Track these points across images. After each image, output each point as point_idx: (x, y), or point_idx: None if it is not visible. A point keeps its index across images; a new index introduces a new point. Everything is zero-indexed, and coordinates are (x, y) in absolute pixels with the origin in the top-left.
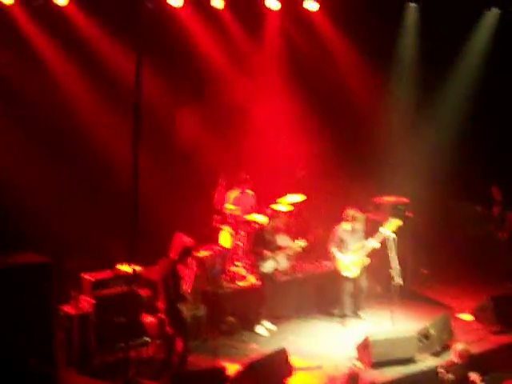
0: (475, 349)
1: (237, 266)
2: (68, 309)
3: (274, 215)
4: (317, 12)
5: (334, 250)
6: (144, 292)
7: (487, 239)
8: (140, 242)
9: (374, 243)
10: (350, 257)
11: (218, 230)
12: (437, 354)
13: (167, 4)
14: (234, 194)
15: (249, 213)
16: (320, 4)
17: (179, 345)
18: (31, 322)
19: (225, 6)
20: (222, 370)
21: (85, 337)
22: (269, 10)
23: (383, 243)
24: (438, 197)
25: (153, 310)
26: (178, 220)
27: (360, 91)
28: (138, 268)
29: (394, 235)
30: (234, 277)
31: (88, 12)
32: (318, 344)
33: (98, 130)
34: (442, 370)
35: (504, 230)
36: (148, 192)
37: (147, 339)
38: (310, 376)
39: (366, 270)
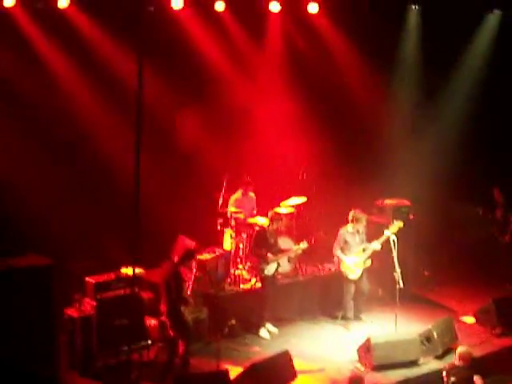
0: (477, 351)
1: (239, 268)
2: (71, 311)
3: (276, 218)
4: (318, 14)
5: (338, 252)
6: (146, 295)
7: (489, 241)
8: (142, 245)
9: (376, 245)
10: (354, 258)
11: (220, 233)
12: (439, 357)
13: (168, 6)
14: (236, 196)
15: (251, 215)
16: (321, 6)
17: (181, 347)
18: (34, 324)
19: (226, 8)
20: (225, 373)
21: (87, 339)
22: (270, 11)
23: (385, 245)
24: (439, 198)
25: (155, 313)
26: (180, 222)
27: (362, 93)
28: (140, 271)
29: (394, 237)
30: (237, 279)
31: (89, 14)
32: (321, 347)
33: (100, 131)
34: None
35: (507, 233)
36: (150, 194)
37: (149, 342)
38: (312, 379)
39: (368, 272)
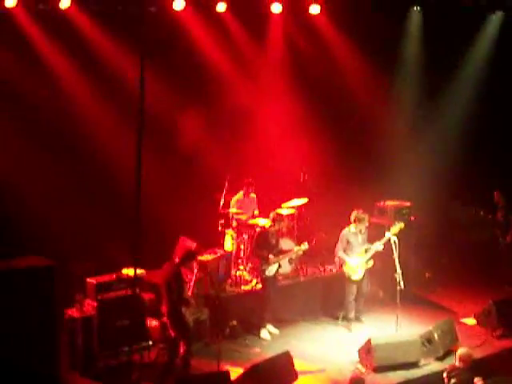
0: (478, 353)
1: (240, 269)
2: (72, 312)
3: (278, 219)
4: (320, 15)
5: (341, 253)
6: (147, 296)
7: (490, 243)
8: (143, 246)
9: (378, 246)
10: (356, 259)
11: (221, 234)
12: (440, 359)
13: (170, 7)
14: (237, 197)
15: (252, 216)
16: (323, 7)
17: (182, 348)
18: (35, 325)
19: (227, 9)
20: (225, 374)
21: (88, 340)
22: (271, 12)
23: (386, 246)
24: (441, 199)
25: (156, 314)
26: (181, 223)
27: (363, 94)
28: (141, 272)
29: (395, 238)
30: (238, 281)
31: (91, 15)
32: (322, 348)
33: (101, 132)
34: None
35: (508, 234)
36: (151, 195)
37: (150, 343)
38: (313, 380)
39: (369, 273)
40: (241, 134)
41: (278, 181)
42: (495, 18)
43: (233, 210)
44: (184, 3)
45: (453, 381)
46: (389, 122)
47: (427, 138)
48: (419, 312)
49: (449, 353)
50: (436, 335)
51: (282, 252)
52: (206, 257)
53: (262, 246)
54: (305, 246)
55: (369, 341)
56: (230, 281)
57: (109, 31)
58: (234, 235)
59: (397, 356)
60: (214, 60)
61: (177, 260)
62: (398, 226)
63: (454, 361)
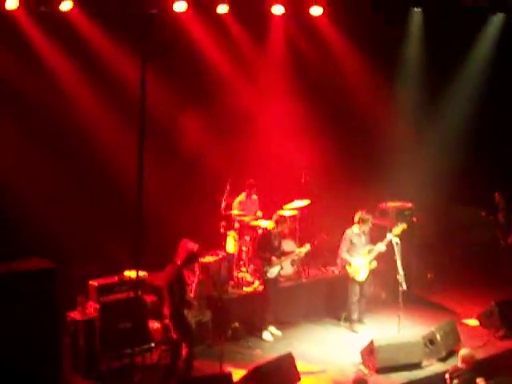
0: (480, 354)
1: (242, 271)
2: (74, 314)
3: (281, 221)
4: (321, 16)
5: (345, 254)
6: (149, 298)
7: (492, 243)
8: (145, 248)
9: (381, 247)
10: (360, 260)
11: (223, 236)
12: (443, 360)
13: (171, 9)
14: (239, 198)
15: (254, 218)
16: (324, 9)
17: (184, 350)
18: (37, 327)
19: (228, 11)
20: (228, 376)
21: (90, 342)
22: (272, 14)
23: (388, 248)
24: (442, 201)
25: (158, 316)
26: (183, 225)
27: (364, 95)
28: (143, 274)
29: (398, 240)
30: (240, 282)
31: (92, 17)
32: (324, 349)
33: (102, 133)
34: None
35: (509, 235)
36: (153, 197)
37: (153, 345)
38: (315, 381)
39: (372, 274)
40: (242, 135)
41: (279, 182)
42: (496, 20)
43: (235, 211)
44: (185, 5)
45: (455, 382)
46: (390, 123)
47: (428, 139)
48: (421, 313)
49: (451, 354)
50: (438, 336)
51: (284, 254)
52: (207, 259)
53: (265, 248)
54: (306, 247)
55: (371, 342)
56: (231, 282)
57: (110, 33)
58: (236, 237)
59: (399, 357)
60: (215, 62)
61: (179, 262)
62: (401, 227)
63: (457, 362)
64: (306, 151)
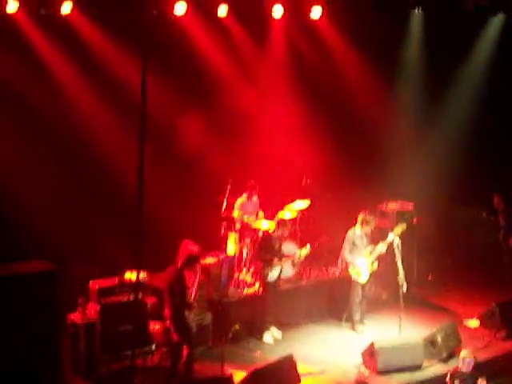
0: (482, 355)
1: (243, 273)
2: (74, 316)
3: (282, 223)
4: (321, 18)
5: (347, 255)
6: (150, 300)
7: (493, 245)
8: (146, 249)
9: (382, 247)
10: (363, 261)
11: (224, 237)
12: (444, 361)
13: (172, 11)
14: (241, 200)
15: (253, 220)
16: (324, 11)
17: (185, 352)
18: (37, 329)
19: (228, 13)
20: (228, 378)
21: (91, 344)
22: (273, 16)
23: (389, 249)
24: (443, 202)
25: (159, 318)
26: (183, 227)
27: (365, 97)
28: (144, 275)
29: (398, 240)
30: (241, 284)
31: (92, 19)
32: (325, 351)
33: (102, 135)
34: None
35: (510, 237)
36: (154, 199)
37: (153, 347)
38: (316, 383)
39: (372, 275)
40: (243, 136)
41: (280, 183)
42: (496, 20)
43: (236, 213)
44: (186, 7)
45: (456, 383)
46: (391, 124)
47: (429, 140)
48: (422, 314)
49: (452, 355)
50: (439, 337)
51: (285, 255)
52: (208, 260)
53: (266, 250)
54: (307, 249)
55: (372, 344)
56: (232, 284)
57: (110, 35)
58: (237, 239)
59: (400, 358)
60: (215, 64)
61: (179, 263)
62: (401, 228)
63: (458, 363)
64: (306, 152)
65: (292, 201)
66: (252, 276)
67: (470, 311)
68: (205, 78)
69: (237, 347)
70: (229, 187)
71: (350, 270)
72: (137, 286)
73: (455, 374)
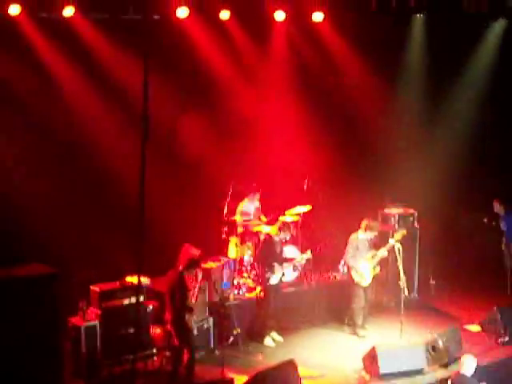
0: (483, 360)
1: (244, 277)
2: (76, 320)
3: (284, 228)
4: (323, 23)
5: (350, 259)
6: (151, 303)
7: (495, 250)
8: (147, 253)
9: (383, 252)
10: (365, 265)
11: (225, 241)
12: (445, 366)
13: (174, 14)
14: (243, 204)
15: (255, 224)
16: (326, 15)
17: (186, 356)
18: (38, 333)
19: (231, 17)
20: (229, 382)
21: (92, 348)
22: (275, 20)
23: (390, 253)
24: (445, 206)
25: (160, 322)
26: (185, 231)
27: (368, 100)
28: (145, 279)
29: (400, 245)
30: (242, 288)
31: (94, 22)
32: (326, 355)
33: (104, 139)
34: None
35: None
36: (155, 202)
37: (154, 351)
38: None
39: (374, 280)
40: (244, 140)
41: (281, 188)
42: (498, 25)
43: (238, 217)
44: (188, 11)
45: None
46: (393, 128)
47: (432, 144)
48: (423, 319)
49: (453, 360)
50: (441, 342)
51: (287, 260)
52: (209, 264)
53: (267, 254)
54: (308, 254)
55: (373, 348)
56: (233, 288)
57: (112, 38)
58: (238, 243)
59: (401, 363)
60: (217, 67)
61: (181, 267)
62: (401, 233)
63: (459, 368)
64: (308, 156)
65: (293, 205)
66: (253, 280)
67: (472, 316)
68: (206, 81)
69: (238, 351)
70: (230, 191)
71: (352, 273)
72: (138, 289)
73: (456, 378)
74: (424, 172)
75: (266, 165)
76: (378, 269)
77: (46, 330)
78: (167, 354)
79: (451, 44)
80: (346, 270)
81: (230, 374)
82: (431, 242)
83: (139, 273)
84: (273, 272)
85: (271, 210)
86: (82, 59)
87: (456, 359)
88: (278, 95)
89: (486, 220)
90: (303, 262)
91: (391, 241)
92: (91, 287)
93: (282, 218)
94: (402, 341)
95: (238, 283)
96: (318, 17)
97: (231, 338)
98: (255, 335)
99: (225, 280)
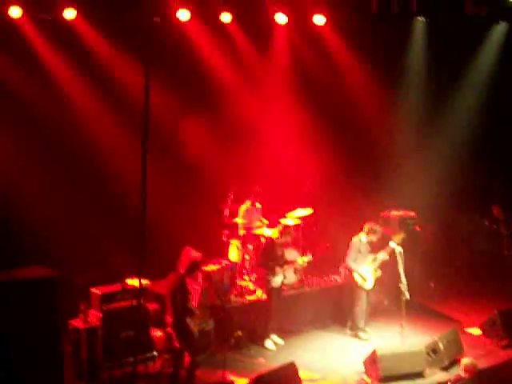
0: (483, 363)
1: (245, 280)
2: (76, 322)
3: (286, 231)
4: (324, 26)
5: (352, 263)
6: (152, 306)
7: (495, 253)
8: (148, 256)
9: (384, 255)
10: (367, 268)
11: (226, 244)
12: (445, 369)
13: (175, 17)
14: (245, 206)
15: (257, 226)
16: (328, 18)
17: (187, 359)
18: (38, 335)
19: (232, 20)
20: None
21: (93, 351)
22: (276, 23)
23: (391, 257)
24: (446, 210)
25: (161, 324)
26: (186, 233)
27: (368, 104)
28: (146, 282)
29: (401, 249)
30: (243, 291)
31: (95, 25)
32: (327, 358)
33: (105, 141)
34: None
35: None
36: (156, 205)
37: (155, 353)
38: None
39: (376, 282)
40: (245, 144)
41: (282, 190)
42: (499, 28)
43: (240, 219)
44: (189, 13)
45: None
46: (393, 131)
47: (432, 148)
48: (424, 322)
49: (454, 363)
50: (441, 345)
51: (287, 262)
52: (210, 267)
53: (269, 257)
54: (309, 257)
55: (374, 351)
56: (234, 291)
57: (114, 41)
58: (239, 245)
59: (402, 366)
60: (218, 70)
61: (181, 270)
62: (400, 237)
63: (459, 371)
64: (309, 159)
65: (294, 208)
66: (254, 283)
67: (472, 319)
68: (208, 84)
69: (239, 354)
70: (231, 194)
71: (355, 276)
72: (139, 292)
73: (457, 381)
74: (424, 176)
75: (268, 167)
76: (379, 272)
77: (47, 333)
78: (168, 356)
79: (452, 47)
80: (346, 272)
81: (231, 377)
82: (432, 245)
83: (140, 275)
84: (274, 275)
85: (272, 213)
86: (83, 60)
87: (456, 362)
88: (280, 98)
89: (486, 223)
90: (304, 264)
91: (391, 244)
92: (92, 289)
93: (283, 221)
94: (402, 344)
95: (239, 286)
96: (319, 20)
97: (232, 341)
98: (256, 338)
99: (226, 283)
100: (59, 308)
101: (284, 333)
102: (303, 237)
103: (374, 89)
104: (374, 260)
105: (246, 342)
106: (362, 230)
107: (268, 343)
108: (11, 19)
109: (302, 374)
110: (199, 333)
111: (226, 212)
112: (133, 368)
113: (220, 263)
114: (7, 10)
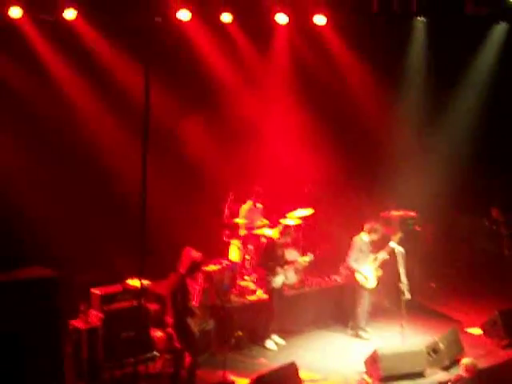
0: (484, 363)
1: (246, 280)
2: (77, 323)
3: (286, 232)
4: (325, 26)
5: (353, 262)
6: (152, 306)
7: (496, 253)
8: (149, 256)
9: (383, 255)
10: (368, 268)
11: (227, 244)
12: (446, 369)
13: (175, 17)
14: (246, 206)
15: (258, 226)
16: (328, 18)
17: (188, 359)
18: (39, 336)
19: (232, 20)
20: None
21: (93, 351)
22: (277, 23)
23: (391, 257)
24: (446, 210)
25: (161, 325)
26: (186, 233)
27: (369, 104)
28: (146, 282)
29: (402, 249)
30: (243, 291)
31: (96, 25)
32: (327, 358)
33: (105, 141)
34: None
35: None
36: (156, 205)
37: (156, 354)
38: None
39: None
40: (246, 144)
41: (283, 191)
42: (500, 28)
43: (241, 219)
44: (189, 14)
45: None
46: (394, 132)
47: (433, 148)
48: (424, 322)
49: (454, 363)
50: (442, 345)
51: (288, 263)
52: (211, 267)
53: (268, 257)
54: (309, 257)
55: (375, 351)
56: (235, 291)
57: (114, 40)
58: (240, 246)
59: (403, 366)
60: (219, 70)
61: (182, 270)
62: (397, 237)
63: (460, 371)
64: (309, 160)
65: (294, 208)
66: (254, 283)
67: (473, 319)
68: (208, 84)
69: (239, 354)
70: (231, 194)
71: (357, 276)
72: (139, 292)
73: (457, 381)
74: (425, 176)
75: (268, 168)
76: (379, 271)
77: (47, 333)
78: (169, 357)
79: (452, 47)
80: (348, 272)
81: (232, 377)
82: (432, 245)
83: (140, 275)
84: (274, 275)
85: (273, 213)
86: (83, 60)
87: (457, 362)
88: (280, 98)
89: (487, 223)
90: (305, 264)
91: (391, 244)
92: (92, 290)
93: (283, 221)
94: (403, 344)
95: (240, 286)
96: (319, 20)
97: (233, 341)
98: (257, 338)
99: (226, 283)
100: (60, 308)
101: (285, 333)
102: (303, 237)
103: (374, 89)
104: (375, 260)
105: (247, 342)
106: (362, 229)
107: (269, 343)
108: (11, 19)
109: (302, 374)
110: (200, 333)
111: (227, 212)
112: (133, 368)
113: (220, 263)
114: (7, 11)
